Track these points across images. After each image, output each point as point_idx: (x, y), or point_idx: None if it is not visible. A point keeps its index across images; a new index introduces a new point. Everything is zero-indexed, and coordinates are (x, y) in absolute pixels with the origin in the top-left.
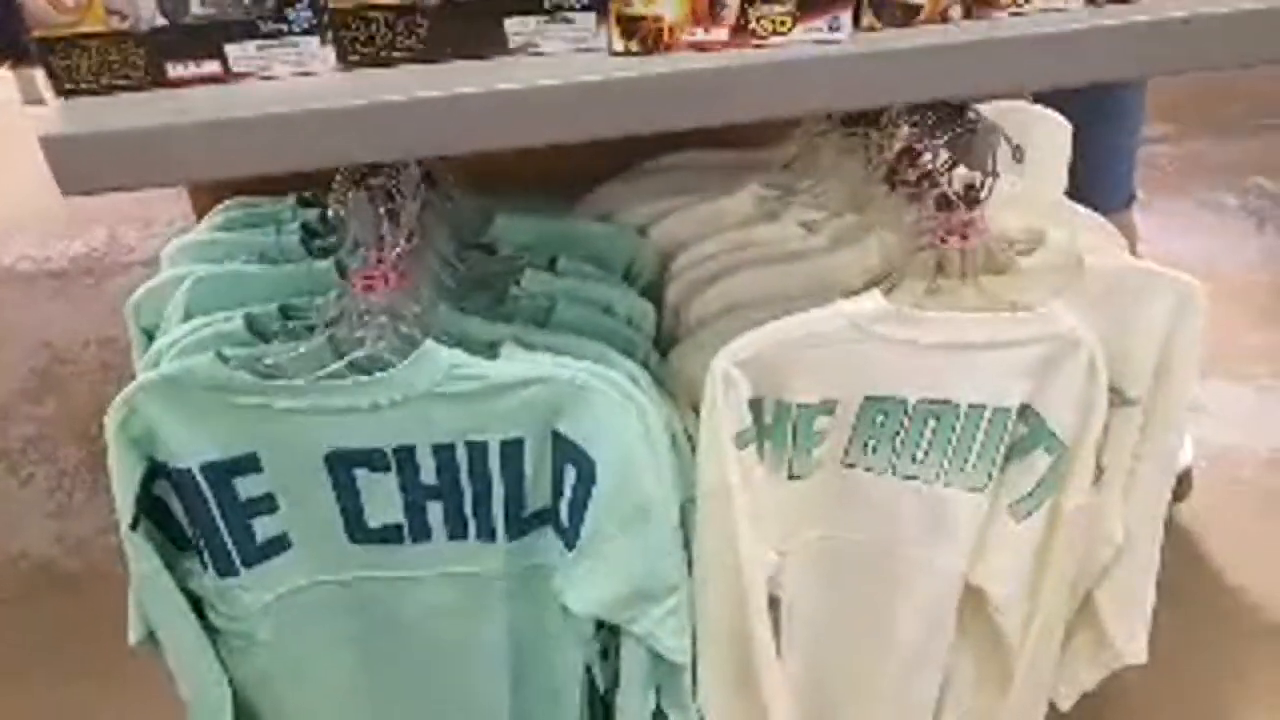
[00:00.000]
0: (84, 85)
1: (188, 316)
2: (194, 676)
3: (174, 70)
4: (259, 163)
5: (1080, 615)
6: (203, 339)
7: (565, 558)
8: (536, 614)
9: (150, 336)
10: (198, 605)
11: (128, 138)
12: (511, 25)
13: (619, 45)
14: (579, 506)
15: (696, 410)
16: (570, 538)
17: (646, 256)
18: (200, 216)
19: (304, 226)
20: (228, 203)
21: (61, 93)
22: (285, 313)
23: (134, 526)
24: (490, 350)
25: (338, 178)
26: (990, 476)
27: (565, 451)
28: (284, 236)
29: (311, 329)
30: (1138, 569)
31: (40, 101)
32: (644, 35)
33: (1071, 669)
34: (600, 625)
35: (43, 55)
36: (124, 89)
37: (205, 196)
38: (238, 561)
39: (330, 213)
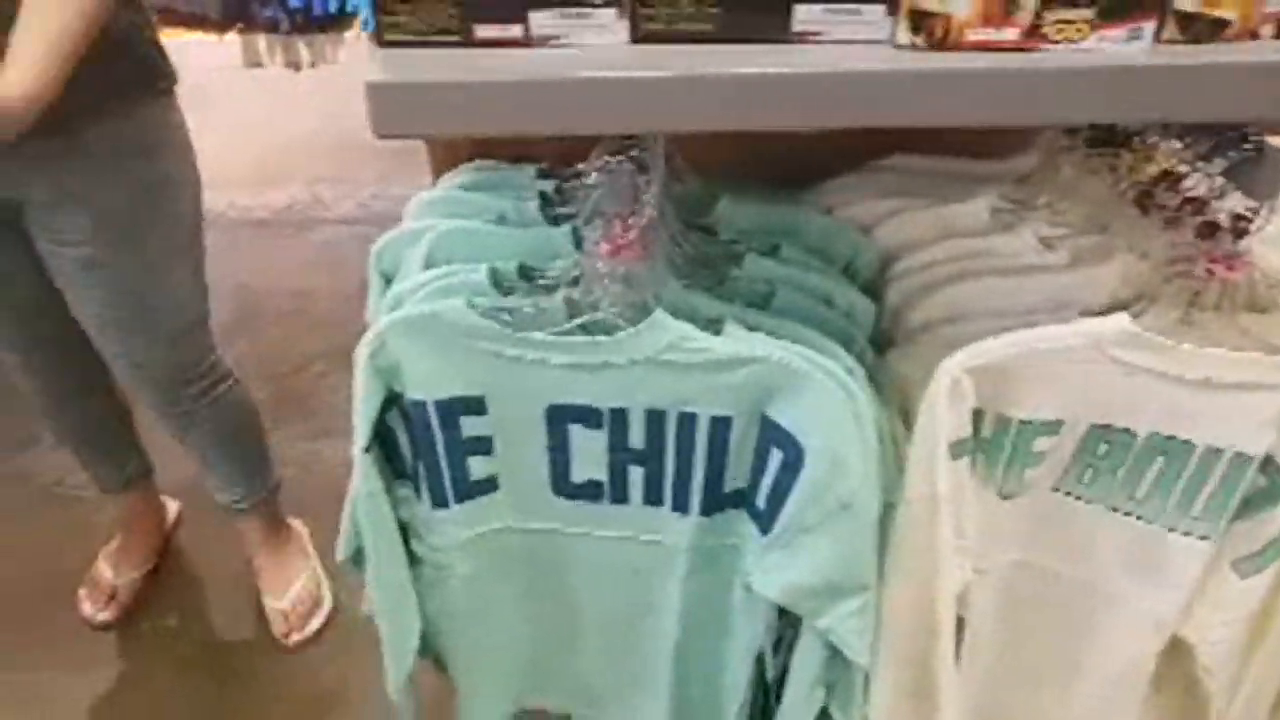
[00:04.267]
0: (402, 39)
1: (428, 265)
2: (392, 597)
3: (481, 31)
4: (552, 123)
5: None
6: (450, 285)
7: (757, 542)
8: (716, 593)
9: (387, 281)
10: (404, 534)
11: (440, 90)
12: (800, 12)
13: (905, 38)
14: (780, 493)
15: (905, 415)
16: (765, 522)
17: (868, 255)
18: (437, 176)
19: (540, 195)
20: (470, 165)
21: (382, 44)
22: (523, 271)
23: (367, 449)
24: (713, 326)
25: (596, 148)
26: (1218, 526)
27: (772, 435)
28: (523, 202)
29: (548, 288)
30: None
31: (259, 64)
32: (931, 30)
33: None
34: (781, 614)
35: (376, 10)
36: (436, 45)
37: (445, 158)
38: (450, 495)
39: (568, 184)
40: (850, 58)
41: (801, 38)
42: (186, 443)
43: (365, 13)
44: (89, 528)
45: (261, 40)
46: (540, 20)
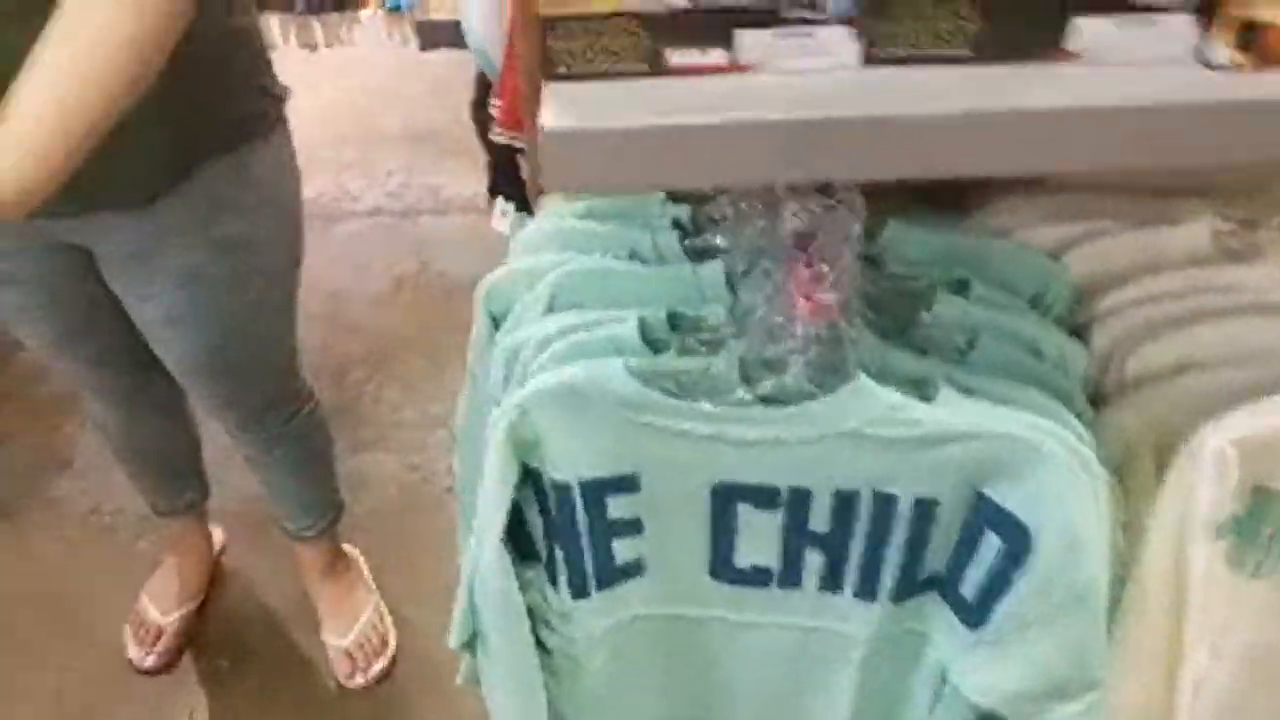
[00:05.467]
0: (575, 71)
1: (550, 310)
2: (520, 695)
3: (675, 58)
4: (778, 170)
5: None
6: (592, 341)
7: (958, 635)
8: (892, 681)
9: (495, 322)
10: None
11: (635, 136)
12: (1083, 25)
13: (1224, 57)
14: (997, 582)
15: (1121, 480)
16: (974, 615)
17: (1060, 287)
18: (535, 191)
19: (675, 223)
20: None
21: (550, 76)
22: (673, 320)
23: (503, 537)
24: (918, 390)
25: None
26: None
27: (990, 518)
28: (659, 234)
29: (709, 342)
30: None
31: (272, 47)
32: (1264, 45)
33: None
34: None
35: (541, 34)
36: (617, 76)
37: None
38: (592, 583)
39: (705, 208)
40: (1150, 82)
41: (1076, 56)
42: (263, 466)
43: None
44: (128, 560)
45: (275, 21)
46: (749, 42)
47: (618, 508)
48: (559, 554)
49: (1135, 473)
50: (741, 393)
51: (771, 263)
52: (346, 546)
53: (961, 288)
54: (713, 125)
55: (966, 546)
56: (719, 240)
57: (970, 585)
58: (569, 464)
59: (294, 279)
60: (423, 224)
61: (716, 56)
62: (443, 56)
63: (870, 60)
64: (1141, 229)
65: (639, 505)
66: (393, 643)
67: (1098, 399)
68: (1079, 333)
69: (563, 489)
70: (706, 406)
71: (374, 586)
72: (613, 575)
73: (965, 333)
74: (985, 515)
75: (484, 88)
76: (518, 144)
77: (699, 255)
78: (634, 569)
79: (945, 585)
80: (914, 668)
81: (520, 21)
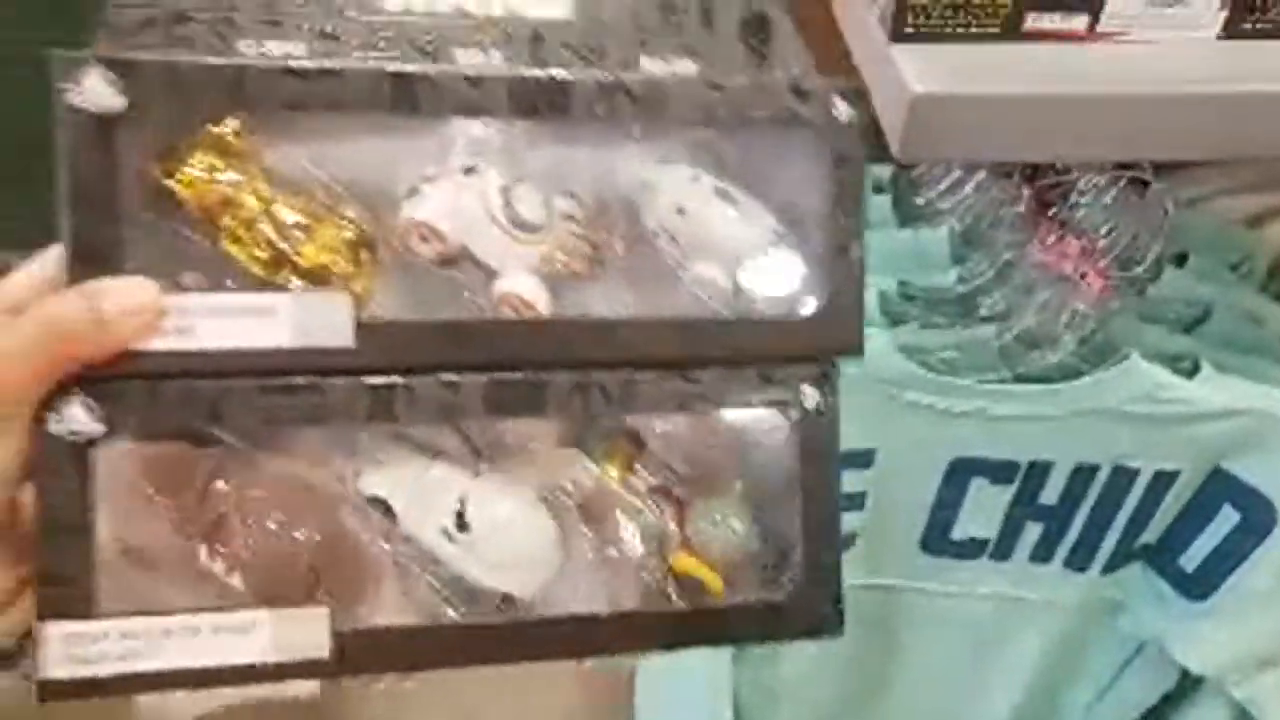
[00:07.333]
0: (926, 31)
1: None
2: (705, 677)
3: (1034, 21)
4: (1144, 147)
5: None
6: None
7: (1173, 605)
8: (1080, 649)
9: None
10: None
11: (999, 104)
12: None
13: None
14: (1230, 556)
15: None
16: (1195, 586)
17: (1258, 259)
18: None
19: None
20: None
21: (898, 36)
22: (904, 291)
23: None
24: (1174, 365)
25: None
26: None
27: (1228, 492)
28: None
29: (951, 314)
30: None
31: None
32: None
33: None
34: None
35: None
36: (969, 39)
37: None
38: None
39: (920, 174)
40: None
41: None
42: None
43: None
44: None
45: None
46: (1116, 9)
47: (848, 483)
48: None
49: None
50: (1002, 369)
51: (1014, 234)
52: None
53: (1180, 260)
54: (1079, 97)
55: (1195, 519)
56: (937, 205)
57: (1194, 556)
58: None
59: None
60: None
61: (1079, 23)
62: None
63: (1231, 33)
64: None
65: (867, 481)
66: None
67: None
68: None
69: None
70: (969, 383)
71: None
72: None
73: (1194, 306)
74: (1224, 489)
75: None
76: None
77: (907, 219)
78: (847, 543)
79: (1160, 556)
80: (1102, 635)
81: None
